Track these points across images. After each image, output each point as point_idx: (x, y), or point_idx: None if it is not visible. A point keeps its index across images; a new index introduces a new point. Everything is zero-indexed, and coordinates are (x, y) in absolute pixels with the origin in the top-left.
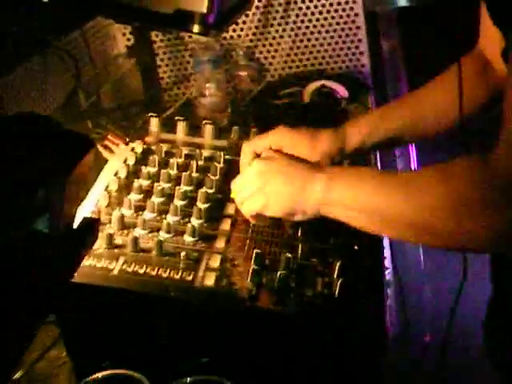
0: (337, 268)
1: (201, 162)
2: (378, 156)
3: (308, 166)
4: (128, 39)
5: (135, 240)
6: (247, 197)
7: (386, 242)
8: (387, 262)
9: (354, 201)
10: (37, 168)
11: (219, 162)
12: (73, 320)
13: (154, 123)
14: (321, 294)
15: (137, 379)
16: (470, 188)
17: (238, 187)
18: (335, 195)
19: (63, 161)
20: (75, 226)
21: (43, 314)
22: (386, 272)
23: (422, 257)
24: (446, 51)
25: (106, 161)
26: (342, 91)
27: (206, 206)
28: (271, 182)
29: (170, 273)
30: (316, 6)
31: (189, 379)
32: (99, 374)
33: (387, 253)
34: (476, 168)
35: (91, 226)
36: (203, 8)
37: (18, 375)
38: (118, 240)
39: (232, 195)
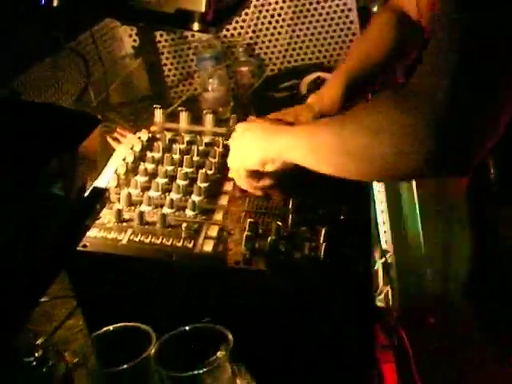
0: (322, 234)
1: (201, 147)
2: None
3: (275, 122)
4: (134, 40)
5: (141, 214)
6: (233, 161)
7: (386, 227)
8: (388, 246)
9: (307, 143)
10: (51, 140)
11: (218, 147)
12: (87, 284)
13: (159, 114)
14: (307, 256)
15: (144, 331)
16: (390, 111)
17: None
18: (298, 141)
19: (74, 134)
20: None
21: (55, 270)
22: (388, 255)
23: (421, 240)
24: None
25: (114, 151)
26: None
27: (206, 184)
28: (245, 139)
29: (172, 241)
30: (311, 3)
31: (187, 327)
32: (109, 327)
33: (388, 237)
34: (397, 92)
35: (100, 193)
36: (202, 7)
37: (40, 341)
38: (126, 215)
39: (230, 174)
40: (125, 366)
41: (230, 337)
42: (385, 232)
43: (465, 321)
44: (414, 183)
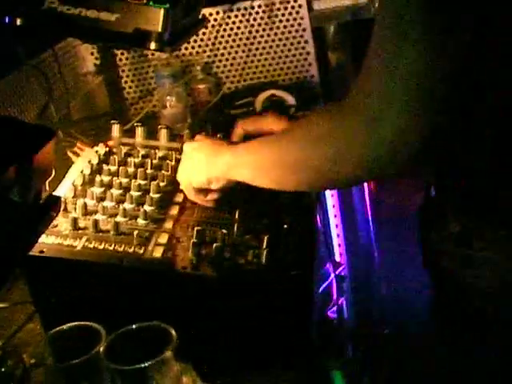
0: (265, 241)
1: (155, 161)
2: None
3: (220, 143)
4: (96, 58)
5: (96, 222)
6: (181, 178)
7: (340, 239)
8: (342, 259)
9: (251, 161)
10: (10, 149)
11: (171, 161)
12: (45, 289)
13: (116, 129)
14: (250, 262)
15: (95, 329)
16: (323, 122)
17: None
18: (239, 159)
19: (31, 144)
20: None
21: (7, 272)
22: (341, 268)
23: (376, 253)
24: None
25: (72, 163)
26: (290, 100)
27: (158, 195)
28: (192, 158)
29: (124, 248)
30: (267, 23)
31: (134, 326)
32: (63, 326)
33: (342, 249)
34: (332, 108)
35: (55, 201)
36: (158, 27)
37: None
38: (82, 223)
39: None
40: (77, 361)
41: (175, 335)
42: (339, 245)
43: (426, 333)
44: (366, 195)
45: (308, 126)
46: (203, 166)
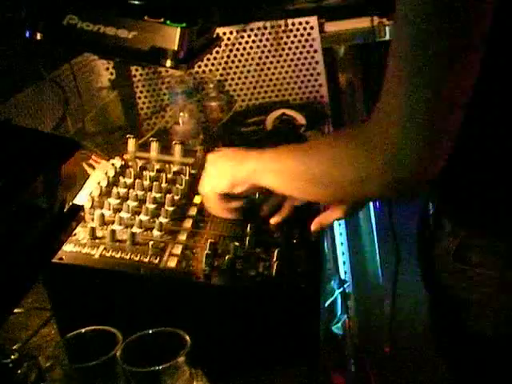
0: (275, 254)
1: (170, 175)
2: None
3: (245, 150)
4: (111, 73)
5: (113, 232)
6: (204, 185)
7: (345, 257)
8: (347, 276)
9: (277, 168)
10: (38, 159)
11: (185, 175)
12: (62, 294)
13: (132, 143)
14: (261, 274)
15: (111, 333)
16: (346, 147)
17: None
18: (265, 165)
19: (57, 155)
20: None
21: (31, 279)
22: (346, 285)
23: (380, 271)
24: None
25: (89, 176)
26: (300, 119)
27: (172, 208)
28: (217, 164)
29: (140, 257)
30: (279, 44)
31: (150, 331)
32: (80, 330)
33: (347, 267)
34: (357, 130)
35: (77, 210)
36: (174, 46)
37: (15, 347)
38: (99, 233)
39: (195, 200)
40: (94, 362)
41: (189, 341)
42: (344, 263)
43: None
44: (372, 217)
45: (334, 144)
46: (228, 171)
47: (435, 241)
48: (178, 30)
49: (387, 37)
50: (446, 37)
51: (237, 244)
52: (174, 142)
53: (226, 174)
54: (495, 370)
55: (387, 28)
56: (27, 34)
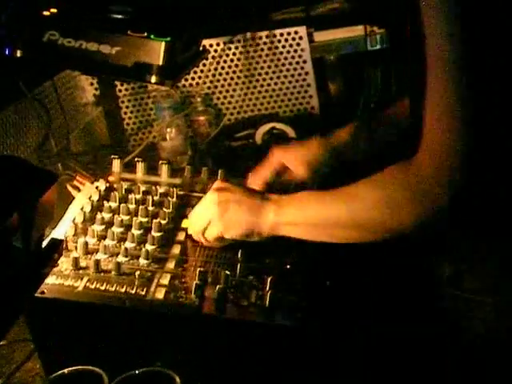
0: (268, 282)
1: (156, 197)
2: None
3: (260, 197)
4: (95, 88)
5: (97, 262)
6: (205, 225)
7: None
8: None
9: (302, 219)
10: (12, 194)
11: (172, 197)
12: (45, 329)
13: (116, 164)
14: (254, 304)
15: (97, 374)
16: (398, 191)
17: (194, 217)
18: (285, 218)
19: (33, 189)
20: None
21: (12, 317)
22: None
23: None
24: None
25: (74, 198)
26: (290, 132)
27: (159, 234)
28: (229, 210)
29: (126, 289)
30: (267, 55)
31: (138, 371)
32: (64, 371)
33: None
34: (403, 174)
35: (57, 245)
36: (159, 60)
37: None
38: (83, 263)
39: (184, 224)
40: None
41: (178, 381)
42: None
43: None
44: None
45: (359, 195)
46: (243, 223)
47: (433, 266)
48: (163, 44)
49: (379, 46)
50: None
51: (228, 272)
52: (160, 162)
53: (240, 225)
54: None
55: (378, 36)
56: (7, 52)
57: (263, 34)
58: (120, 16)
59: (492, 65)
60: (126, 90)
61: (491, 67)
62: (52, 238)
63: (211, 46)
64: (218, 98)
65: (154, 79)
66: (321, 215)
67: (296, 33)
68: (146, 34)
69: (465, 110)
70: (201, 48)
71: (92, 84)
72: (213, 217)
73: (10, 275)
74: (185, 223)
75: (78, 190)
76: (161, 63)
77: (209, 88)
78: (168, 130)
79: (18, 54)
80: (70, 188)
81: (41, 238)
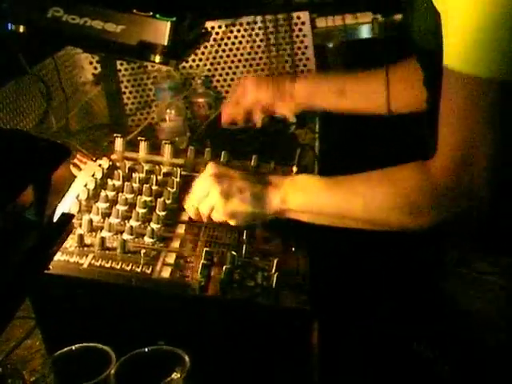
0: (275, 264)
1: (160, 177)
2: None
3: (262, 182)
4: (95, 67)
5: (102, 240)
6: (208, 211)
7: None
8: None
9: (309, 208)
10: (27, 167)
11: (176, 177)
12: (49, 306)
13: (119, 143)
14: (260, 285)
15: (104, 351)
16: (416, 191)
17: (193, 201)
18: (291, 205)
19: (47, 162)
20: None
21: (22, 294)
22: None
23: None
24: None
25: (75, 177)
26: (290, 117)
27: (164, 213)
28: (233, 200)
29: (131, 267)
30: (269, 39)
31: (147, 349)
32: (71, 347)
33: None
34: (421, 174)
35: (67, 220)
36: (164, 40)
37: None
38: (88, 240)
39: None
40: (89, 383)
41: (187, 359)
42: None
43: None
44: None
45: (374, 190)
46: (249, 213)
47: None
48: (168, 24)
49: (381, 34)
50: None
51: (234, 253)
52: (163, 142)
53: (245, 215)
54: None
55: (381, 25)
56: (9, 27)
57: (266, 17)
58: None
59: None
60: (126, 69)
61: None
62: (63, 213)
63: (213, 28)
64: (218, 81)
65: (158, 59)
66: (331, 206)
67: (298, 18)
68: (151, 14)
69: (492, 113)
70: (204, 30)
71: (91, 63)
72: (216, 205)
73: (22, 250)
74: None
75: (79, 168)
76: (166, 43)
77: (209, 70)
78: (167, 111)
79: (21, 29)
80: (71, 167)
81: (53, 213)
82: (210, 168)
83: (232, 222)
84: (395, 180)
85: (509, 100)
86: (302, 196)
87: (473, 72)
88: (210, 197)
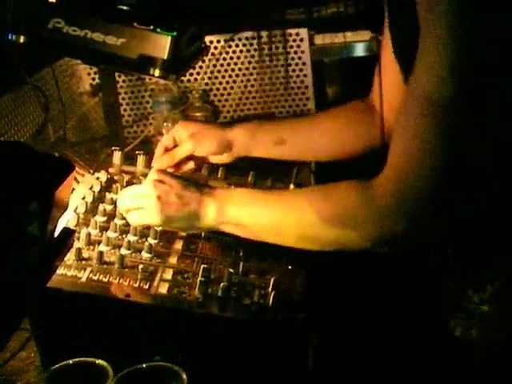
0: (271, 282)
1: None
2: None
3: (200, 190)
4: (93, 78)
5: (100, 254)
6: (135, 208)
7: None
8: None
9: (245, 220)
10: (31, 182)
11: None
12: (45, 319)
13: (117, 156)
14: (257, 303)
15: (102, 367)
16: (352, 206)
17: (126, 197)
18: (227, 217)
19: (52, 177)
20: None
21: (24, 309)
22: None
23: None
24: None
25: (72, 189)
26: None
27: (162, 228)
28: (169, 207)
29: (129, 282)
30: (267, 54)
31: (145, 365)
32: (68, 361)
33: None
34: (359, 189)
35: (69, 235)
36: (164, 54)
37: None
38: (85, 254)
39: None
40: None
41: (184, 376)
42: None
43: None
44: None
45: (306, 205)
46: (182, 220)
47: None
48: (169, 38)
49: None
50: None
51: (231, 271)
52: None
53: (179, 223)
54: None
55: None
56: (9, 37)
57: (264, 33)
58: (127, 8)
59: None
60: (124, 81)
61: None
62: (64, 228)
63: (211, 42)
64: (216, 95)
65: (157, 73)
66: (266, 220)
67: (297, 34)
68: (152, 27)
69: (439, 135)
70: (203, 44)
71: (89, 74)
72: (149, 208)
73: (25, 266)
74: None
75: (76, 181)
76: (166, 57)
77: (207, 84)
78: (164, 124)
79: (22, 39)
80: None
81: (54, 228)
82: (153, 174)
83: (164, 228)
84: (331, 195)
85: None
86: (236, 209)
87: (423, 92)
88: (146, 198)
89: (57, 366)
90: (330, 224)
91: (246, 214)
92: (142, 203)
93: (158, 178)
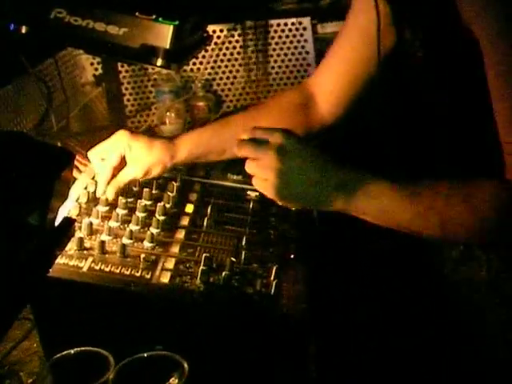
0: (273, 271)
1: (160, 181)
2: None
3: (333, 177)
4: (95, 69)
5: (102, 243)
6: (262, 171)
7: None
8: None
9: (372, 214)
10: (32, 171)
11: (176, 181)
12: (47, 309)
13: None
14: (259, 292)
15: (103, 356)
16: (493, 210)
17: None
18: (355, 207)
19: (52, 168)
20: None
21: (25, 298)
22: None
23: None
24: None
25: (74, 179)
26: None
27: (163, 217)
28: (295, 186)
29: (131, 271)
30: (270, 44)
31: (146, 354)
32: (70, 351)
33: None
34: (498, 194)
35: (70, 224)
36: (166, 44)
37: None
38: (87, 243)
39: (187, 209)
40: None
41: (185, 365)
42: None
43: None
44: None
45: (448, 207)
46: (306, 203)
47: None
48: (171, 27)
49: None
50: None
51: (233, 260)
52: None
53: (301, 204)
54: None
55: None
56: (11, 27)
57: (267, 22)
58: None
59: None
60: (127, 71)
61: None
62: (65, 217)
63: (214, 32)
64: (219, 85)
65: (160, 62)
66: (404, 220)
67: (300, 23)
68: (154, 17)
69: None
70: (205, 34)
71: (92, 64)
72: (272, 182)
73: (25, 255)
74: (188, 208)
75: (79, 170)
76: (168, 47)
77: (210, 74)
78: (167, 114)
79: (23, 30)
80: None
81: (55, 216)
82: (282, 139)
83: (285, 205)
84: (475, 199)
85: None
86: (367, 201)
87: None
88: (271, 170)
89: (59, 355)
90: (469, 234)
91: (375, 208)
92: (266, 173)
93: (287, 148)
